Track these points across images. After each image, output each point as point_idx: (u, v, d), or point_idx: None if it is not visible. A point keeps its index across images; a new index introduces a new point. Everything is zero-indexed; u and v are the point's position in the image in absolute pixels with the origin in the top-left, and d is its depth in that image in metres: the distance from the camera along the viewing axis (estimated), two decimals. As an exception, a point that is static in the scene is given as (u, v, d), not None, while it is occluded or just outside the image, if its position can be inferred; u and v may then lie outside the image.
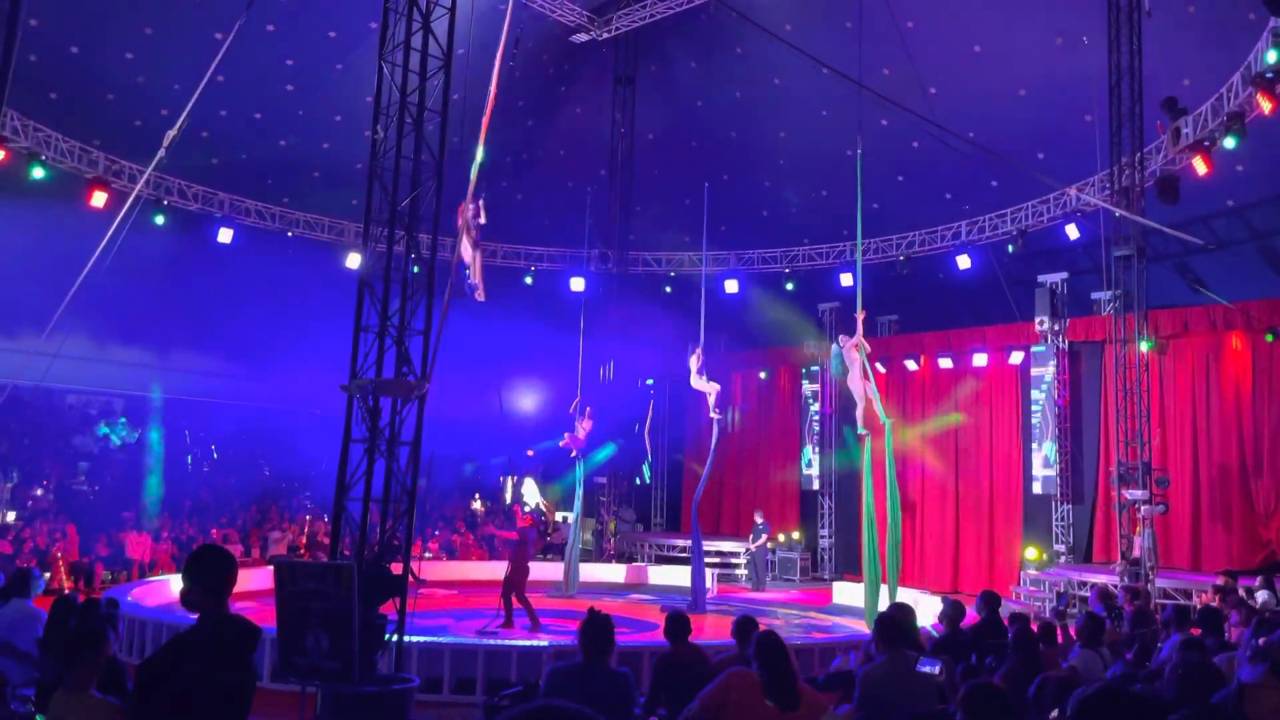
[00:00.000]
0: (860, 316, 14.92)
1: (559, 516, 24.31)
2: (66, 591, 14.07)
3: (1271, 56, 12.96)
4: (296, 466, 22.54)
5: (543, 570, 18.66)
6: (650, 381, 21.75)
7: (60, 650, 4.40)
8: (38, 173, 17.02)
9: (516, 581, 13.92)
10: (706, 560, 18.66)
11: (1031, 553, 18.66)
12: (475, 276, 12.93)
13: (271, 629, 7.60)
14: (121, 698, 4.25)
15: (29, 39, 17.02)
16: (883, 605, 14.10)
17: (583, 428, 18.28)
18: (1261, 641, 5.65)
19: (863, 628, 14.32)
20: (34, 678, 6.42)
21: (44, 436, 21.30)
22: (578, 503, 18.97)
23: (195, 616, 3.52)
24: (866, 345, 14.92)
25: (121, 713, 3.66)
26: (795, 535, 22.91)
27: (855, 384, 14.94)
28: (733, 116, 21.88)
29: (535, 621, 13.76)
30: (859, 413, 15.11)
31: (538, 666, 10.29)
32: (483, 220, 13.17)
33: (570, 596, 17.59)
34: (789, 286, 23.04)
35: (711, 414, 17.26)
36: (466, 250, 12.97)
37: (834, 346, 15.46)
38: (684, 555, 22.62)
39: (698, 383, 17.27)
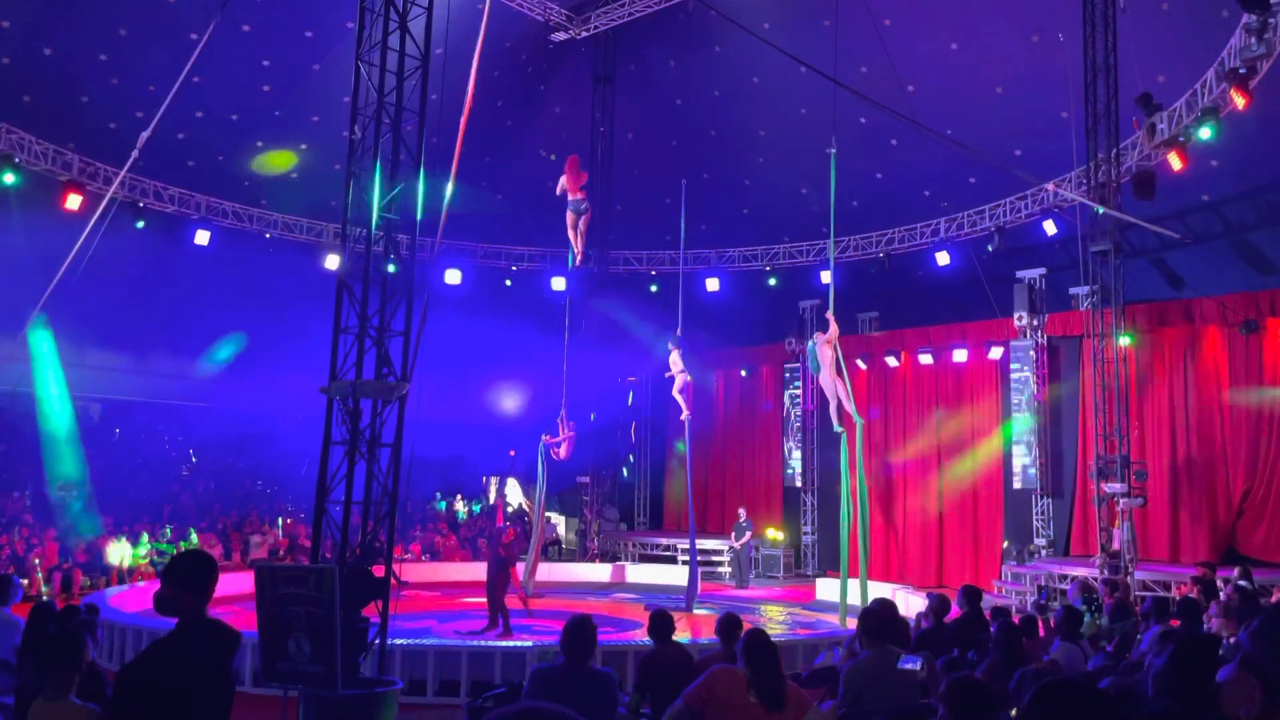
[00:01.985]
0: (830, 316, 14.97)
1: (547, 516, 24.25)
2: (45, 598, 13.96)
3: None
4: (277, 469, 22.38)
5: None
6: (632, 379, 21.79)
7: (39, 658, 4.36)
8: (9, 178, 16.82)
9: (498, 583, 13.85)
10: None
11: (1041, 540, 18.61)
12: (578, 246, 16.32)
13: (252, 633, 7.55)
14: (101, 704, 4.21)
15: (1, 40, 16.95)
16: (853, 599, 14.26)
17: (565, 437, 18.15)
18: (1232, 640, 5.71)
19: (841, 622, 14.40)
20: (13, 686, 6.35)
21: (20, 442, 21.07)
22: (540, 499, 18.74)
23: (174, 621, 3.50)
24: (839, 347, 14.98)
25: (101, 719, 3.62)
26: (779, 532, 22.97)
27: (827, 381, 15.02)
28: (712, 115, 21.90)
29: (495, 623, 13.58)
30: (832, 410, 15.20)
31: (521, 668, 10.28)
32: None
33: (527, 596, 17.42)
34: (771, 282, 23.10)
35: (682, 417, 17.28)
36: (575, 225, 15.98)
37: (809, 343, 15.54)
38: (667, 554, 22.67)
39: (677, 388, 17.32)
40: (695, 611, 15.79)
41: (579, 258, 17.00)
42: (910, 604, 14.09)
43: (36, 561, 16.61)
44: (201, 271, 20.67)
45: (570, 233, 16.49)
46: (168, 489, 21.53)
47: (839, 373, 14.84)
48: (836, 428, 15.12)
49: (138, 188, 19.18)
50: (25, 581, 14.99)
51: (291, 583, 7.38)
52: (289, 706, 7.68)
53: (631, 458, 20.39)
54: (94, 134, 18.42)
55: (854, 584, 14.65)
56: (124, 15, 17.56)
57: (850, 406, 14.76)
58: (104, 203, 13.20)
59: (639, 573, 20.97)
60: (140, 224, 19.03)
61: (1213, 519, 17.06)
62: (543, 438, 18.16)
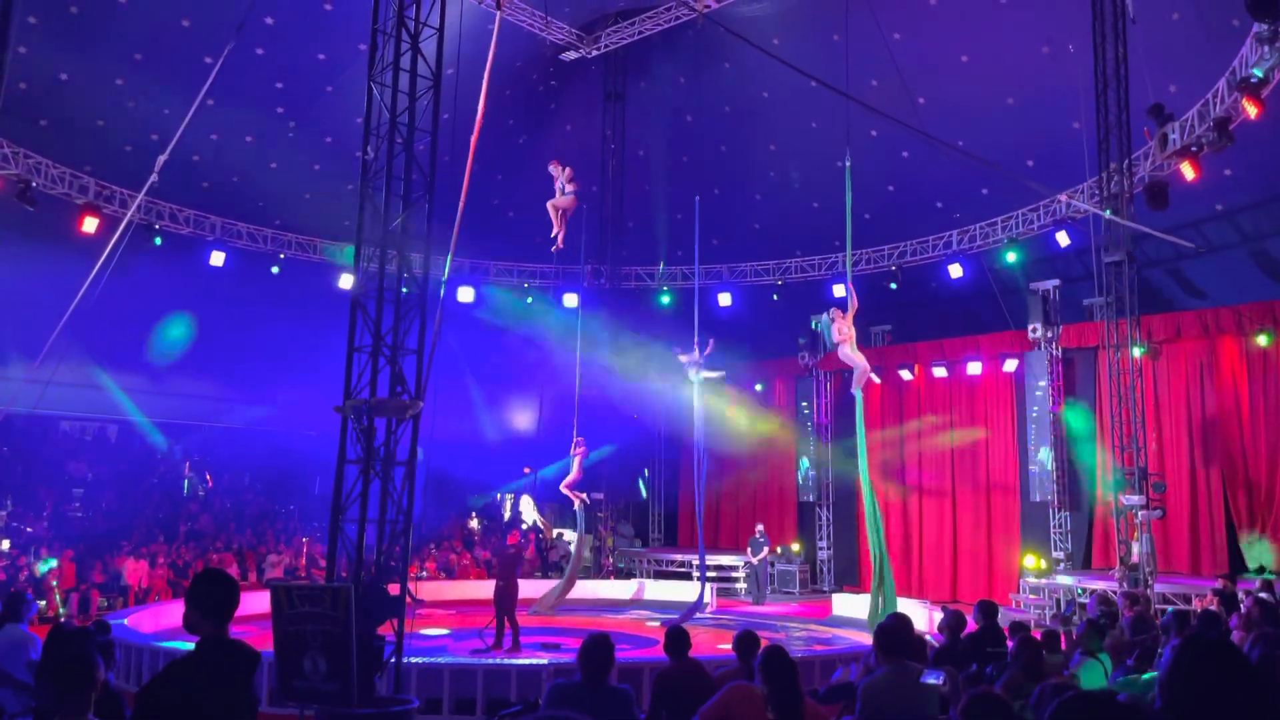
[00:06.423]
0: (854, 305, 15.09)
1: (555, 533, 24.24)
2: (63, 619, 14.00)
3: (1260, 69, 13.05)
4: (292, 489, 22.43)
5: (536, 588, 18.57)
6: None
7: (55, 678, 4.36)
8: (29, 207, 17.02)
9: (508, 598, 13.80)
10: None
11: (1030, 560, 18.68)
12: (560, 229, 15.75)
13: (269, 652, 7.55)
14: (118, 725, 4.22)
15: (18, 66, 17.06)
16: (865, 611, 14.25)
17: (577, 460, 18.13)
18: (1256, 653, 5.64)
19: (863, 639, 14.28)
20: (31, 706, 6.36)
21: (38, 464, 21.21)
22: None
23: (194, 641, 3.50)
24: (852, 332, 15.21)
25: (118, 740, 3.63)
26: (794, 547, 22.86)
27: (846, 354, 15.32)
28: (722, 131, 21.95)
29: (516, 642, 13.58)
30: (856, 376, 15.53)
31: (537, 685, 10.25)
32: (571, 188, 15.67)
33: (545, 614, 17.37)
34: (775, 297, 23.11)
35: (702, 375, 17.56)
36: (560, 205, 15.57)
37: (824, 316, 15.52)
38: (683, 570, 22.59)
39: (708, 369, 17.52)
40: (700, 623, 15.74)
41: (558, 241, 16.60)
42: (926, 620, 13.98)
43: (55, 583, 16.65)
44: (217, 292, 20.81)
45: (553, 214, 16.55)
46: (185, 508, 21.62)
47: (855, 348, 15.09)
48: (854, 390, 15.57)
49: (154, 210, 19.35)
50: (42, 603, 15.03)
51: (307, 601, 7.40)
52: (306, 726, 7.69)
53: (646, 474, 20.38)
54: (110, 157, 18.61)
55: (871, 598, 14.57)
56: (139, 40, 17.76)
57: (864, 372, 15.05)
58: (121, 226, 13.29)
59: (654, 589, 20.89)
60: (158, 241, 19.19)
61: (1234, 530, 16.90)
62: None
